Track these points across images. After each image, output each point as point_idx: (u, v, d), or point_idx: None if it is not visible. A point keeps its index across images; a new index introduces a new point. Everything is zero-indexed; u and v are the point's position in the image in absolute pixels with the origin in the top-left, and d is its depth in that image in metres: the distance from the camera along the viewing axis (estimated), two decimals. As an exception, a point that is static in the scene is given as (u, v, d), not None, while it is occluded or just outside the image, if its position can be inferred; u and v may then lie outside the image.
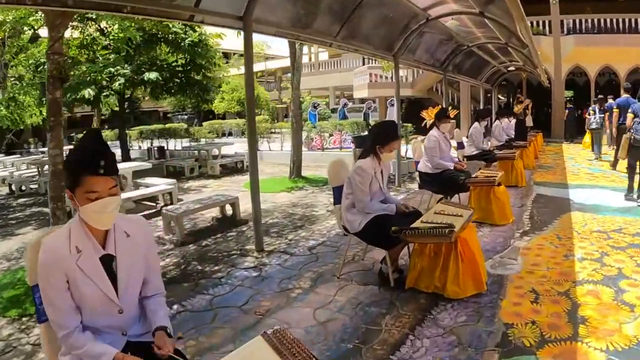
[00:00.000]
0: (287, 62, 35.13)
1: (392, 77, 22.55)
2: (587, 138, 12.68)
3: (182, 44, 13.34)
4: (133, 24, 10.87)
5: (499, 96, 25.53)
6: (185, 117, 38.26)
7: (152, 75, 13.09)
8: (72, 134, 30.27)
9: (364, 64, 24.23)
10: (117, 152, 18.14)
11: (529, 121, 17.54)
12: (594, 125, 11.99)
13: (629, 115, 6.73)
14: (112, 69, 13.00)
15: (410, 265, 3.91)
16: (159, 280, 2.07)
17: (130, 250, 1.89)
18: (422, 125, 7.01)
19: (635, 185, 6.77)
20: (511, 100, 24.40)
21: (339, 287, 4.18)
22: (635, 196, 6.76)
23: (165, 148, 20.69)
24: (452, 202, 4.36)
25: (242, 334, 3.37)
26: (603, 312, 3.36)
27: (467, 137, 8.73)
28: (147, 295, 2.01)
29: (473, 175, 6.16)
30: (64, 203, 5.65)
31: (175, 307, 3.97)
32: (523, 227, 5.71)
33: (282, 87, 40.59)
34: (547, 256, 4.59)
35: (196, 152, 14.76)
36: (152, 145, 21.40)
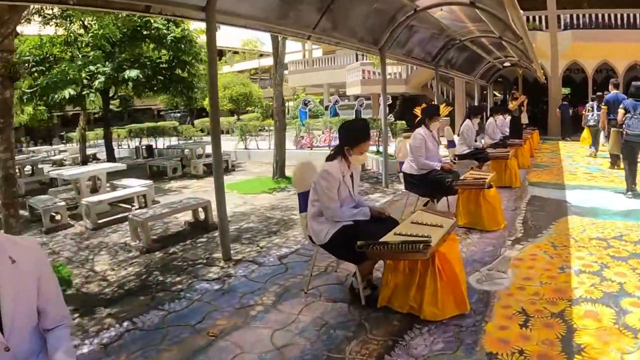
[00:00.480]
0: (284, 59, 35.14)
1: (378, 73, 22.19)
2: (585, 134, 12.46)
3: (165, 40, 12.84)
4: (112, 21, 10.43)
5: (495, 93, 25.08)
6: (178, 114, 37.89)
7: (133, 72, 12.59)
8: (62, 133, 29.84)
9: (357, 60, 23.71)
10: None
11: (525, 118, 17.18)
12: (591, 122, 11.76)
13: (620, 111, 6.76)
14: (92, 67, 12.55)
15: (383, 282, 3.43)
16: (60, 309, 1.82)
17: (16, 278, 1.64)
18: (416, 122, 6.53)
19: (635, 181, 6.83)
20: (507, 97, 23.94)
21: (305, 303, 3.73)
22: (637, 190, 6.77)
23: (154, 147, 20.23)
24: (433, 210, 3.88)
25: (191, 357, 2.99)
26: (603, 339, 2.90)
27: (459, 135, 8.24)
28: (46, 328, 1.77)
29: (462, 177, 5.67)
30: (17, 210, 5.21)
31: (125, 324, 3.62)
32: (515, 234, 5.23)
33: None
34: (541, 268, 4.11)
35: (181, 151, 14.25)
36: (140, 143, 20.94)
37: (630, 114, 6.57)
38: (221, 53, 41.50)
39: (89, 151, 18.99)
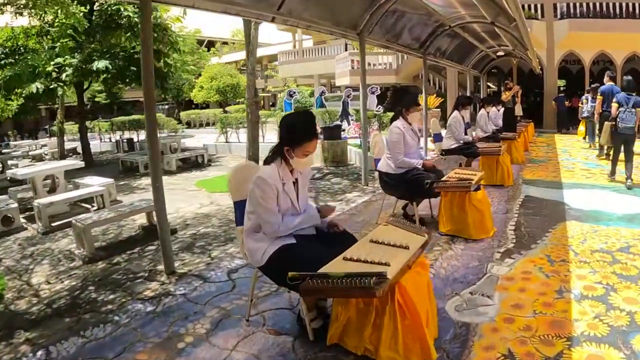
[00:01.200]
0: (274, 50, 34.43)
1: (376, 64, 21.39)
2: (582, 126, 12.27)
3: (137, 29, 12.00)
4: (79, 10, 9.69)
5: (489, 84, 24.30)
6: (166, 107, 37.01)
7: (101, 64, 11.75)
8: (46, 127, 28.98)
9: (346, 50, 22.89)
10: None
11: (519, 110, 16.52)
12: (585, 114, 11.53)
13: (614, 105, 6.96)
14: (60, 60, 11.75)
15: (333, 316, 2.72)
16: None
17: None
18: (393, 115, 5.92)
19: (621, 168, 7.07)
20: (500, 88, 23.21)
21: (244, 335, 3.03)
22: (626, 180, 6.86)
23: (136, 140, 19.43)
24: (402, 223, 3.11)
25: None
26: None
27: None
28: None
29: (445, 177, 4.94)
30: None
31: (39, 353, 3.07)
32: (506, 244, 4.51)
33: (267, 76, 39.31)
34: (535, 292, 3.39)
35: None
36: (121, 137, 20.13)
37: (624, 107, 6.81)
38: (211, 44, 40.61)
39: (72, 145, 18.28)
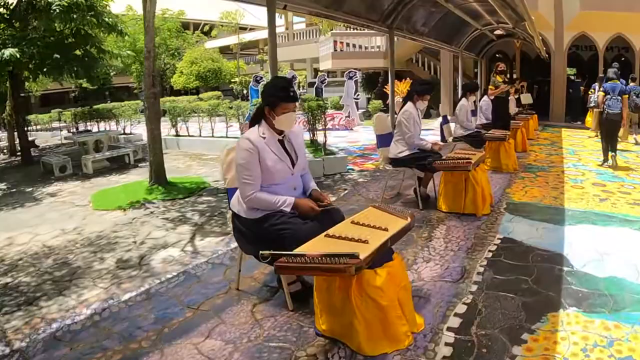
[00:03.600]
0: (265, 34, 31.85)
1: (363, 46, 19.02)
2: (590, 117, 11.61)
3: (52, 10, 9.87)
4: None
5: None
6: (152, 93, 34.80)
7: (7, 52, 9.60)
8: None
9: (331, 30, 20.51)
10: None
11: (527, 98, 14.95)
12: (592, 104, 11.03)
13: (600, 94, 7.52)
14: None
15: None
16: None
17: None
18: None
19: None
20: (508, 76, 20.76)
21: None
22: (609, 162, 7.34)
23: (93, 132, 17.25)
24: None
25: None
26: None
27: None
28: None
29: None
30: None
31: None
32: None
33: (262, 61, 36.87)
34: None
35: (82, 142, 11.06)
36: (77, 129, 18.02)
37: (610, 95, 7.29)
38: (197, 27, 38.40)
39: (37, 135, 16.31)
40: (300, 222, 2.68)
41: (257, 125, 2.86)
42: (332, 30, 20.22)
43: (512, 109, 10.03)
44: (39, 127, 22.74)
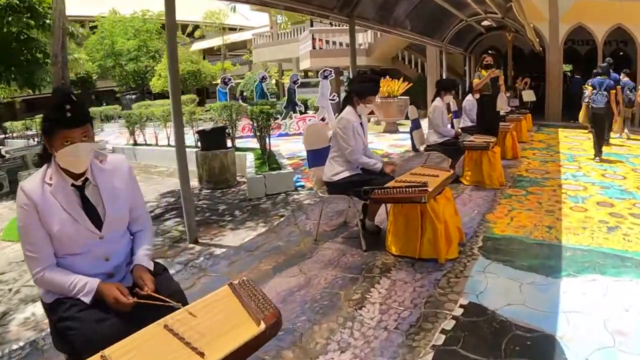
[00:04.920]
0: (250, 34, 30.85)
1: (344, 44, 17.71)
2: (582, 113, 10.71)
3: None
4: None
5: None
6: (133, 96, 33.79)
7: None
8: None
9: (312, 26, 19.18)
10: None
11: (530, 95, 14.30)
12: (587, 99, 10.00)
13: (589, 88, 8.14)
14: None
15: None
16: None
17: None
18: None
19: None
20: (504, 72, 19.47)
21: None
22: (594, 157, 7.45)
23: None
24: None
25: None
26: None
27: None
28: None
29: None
30: None
31: None
32: None
33: (251, 62, 35.49)
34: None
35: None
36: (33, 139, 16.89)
37: (596, 90, 7.53)
38: (185, 28, 37.13)
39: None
40: (95, 318, 1.75)
41: (46, 165, 1.91)
42: (301, 25, 18.92)
43: (503, 107, 8.65)
44: (15, 134, 21.80)
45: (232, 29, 39.49)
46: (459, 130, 6.18)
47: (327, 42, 17.17)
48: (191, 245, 4.18)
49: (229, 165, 6.62)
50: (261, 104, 6.75)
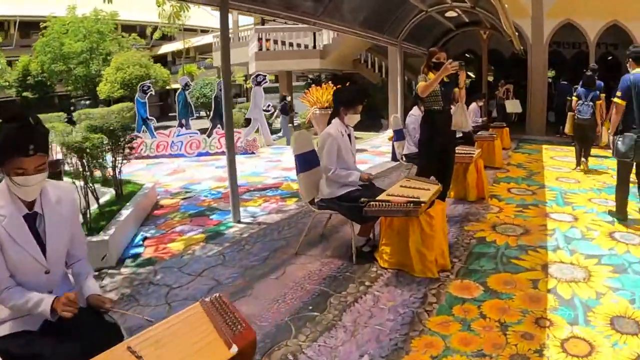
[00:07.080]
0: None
1: (295, 44, 15.28)
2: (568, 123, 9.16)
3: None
4: None
5: (469, 73, 17.93)
6: (88, 102, 31.30)
7: None
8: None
9: (263, 24, 16.74)
10: None
11: (515, 106, 12.84)
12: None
13: (574, 99, 7.57)
14: None
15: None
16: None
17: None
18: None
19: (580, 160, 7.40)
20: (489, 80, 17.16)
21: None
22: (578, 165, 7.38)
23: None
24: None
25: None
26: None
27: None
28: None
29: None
30: None
31: None
32: None
33: (212, 65, 32.97)
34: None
35: None
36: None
37: (582, 100, 7.31)
38: (134, 29, 34.64)
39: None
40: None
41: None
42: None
43: (463, 124, 5.88)
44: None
45: (205, 31, 37.36)
46: (370, 173, 3.65)
47: (276, 42, 14.70)
48: None
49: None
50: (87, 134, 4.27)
